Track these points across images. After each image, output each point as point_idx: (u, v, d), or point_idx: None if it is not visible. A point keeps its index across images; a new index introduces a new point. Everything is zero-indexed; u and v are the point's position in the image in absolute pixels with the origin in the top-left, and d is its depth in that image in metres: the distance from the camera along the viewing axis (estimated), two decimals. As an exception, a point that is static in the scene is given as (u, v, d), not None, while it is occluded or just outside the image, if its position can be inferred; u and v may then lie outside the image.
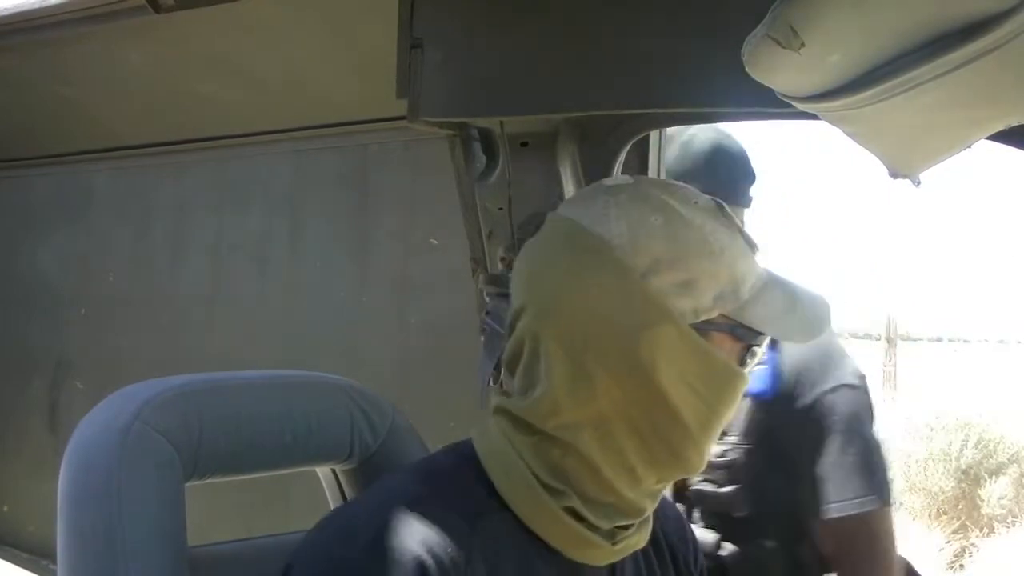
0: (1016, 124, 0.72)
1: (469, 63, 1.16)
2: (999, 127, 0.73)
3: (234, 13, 1.18)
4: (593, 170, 1.27)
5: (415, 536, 0.74)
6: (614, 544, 0.83)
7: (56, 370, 2.28)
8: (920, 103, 0.67)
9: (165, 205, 2.11)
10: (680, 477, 0.86)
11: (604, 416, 0.79)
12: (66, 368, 2.27)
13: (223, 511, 1.32)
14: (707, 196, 0.84)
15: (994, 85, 0.66)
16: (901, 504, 6.36)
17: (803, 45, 0.66)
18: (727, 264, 0.80)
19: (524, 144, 1.26)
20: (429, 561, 0.73)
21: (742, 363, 0.83)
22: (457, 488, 0.80)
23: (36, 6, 1.52)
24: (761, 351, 0.85)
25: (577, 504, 0.80)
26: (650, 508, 0.85)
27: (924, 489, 6.33)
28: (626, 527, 0.84)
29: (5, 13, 1.57)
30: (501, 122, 1.22)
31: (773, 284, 0.84)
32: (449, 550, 0.74)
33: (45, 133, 2.07)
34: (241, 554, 0.98)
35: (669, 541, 0.95)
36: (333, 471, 1.07)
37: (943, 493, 6.28)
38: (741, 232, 0.83)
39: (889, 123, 0.73)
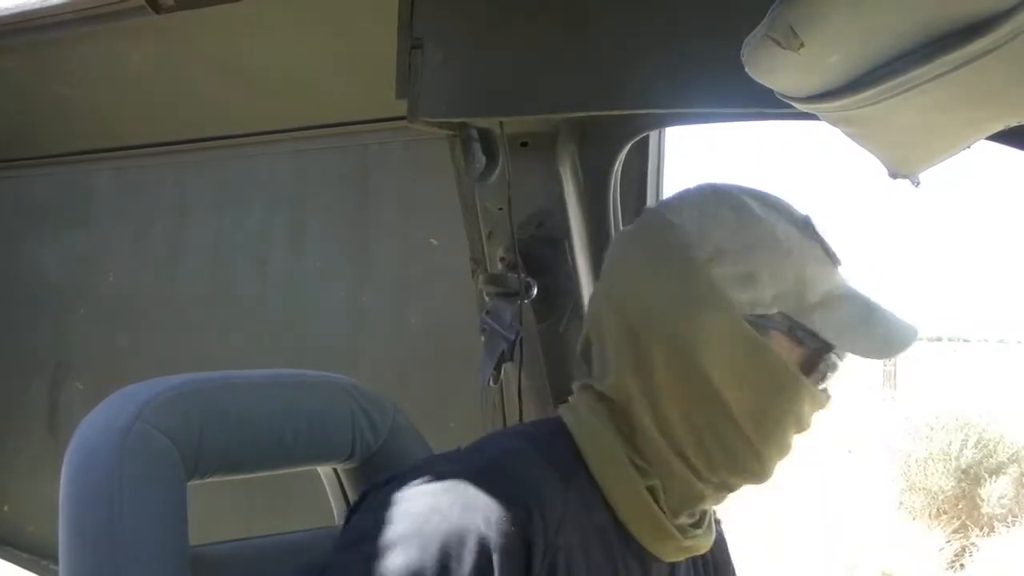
0: (1016, 124, 0.72)
1: (469, 63, 1.16)
2: (999, 127, 0.73)
3: (234, 13, 1.18)
4: (593, 170, 1.27)
5: (516, 482, 0.76)
6: (684, 540, 0.84)
7: (56, 370, 2.28)
8: (920, 103, 0.67)
9: (165, 205, 2.10)
10: (743, 484, 0.85)
11: (659, 399, 0.81)
12: (66, 368, 2.26)
13: (224, 510, 1.32)
14: (799, 209, 0.85)
15: (994, 85, 0.66)
16: (901, 504, 6.36)
17: (803, 45, 0.66)
18: (794, 264, 0.81)
19: (524, 144, 1.26)
20: (531, 503, 0.74)
21: (808, 371, 0.82)
22: (552, 449, 0.82)
23: (36, 6, 1.52)
24: (837, 365, 0.84)
25: (657, 485, 0.82)
26: (710, 508, 0.87)
27: (924, 489, 6.34)
28: (694, 526, 0.85)
29: (5, 13, 1.57)
30: (501, 122, 1.22)
31: (850, 297, 0.84)
32: (545, 498, 0.76)
33: (45, 133, 2.07)
34: (242, 553, 0.98)
35: (718, 559, 0.97)
36: (334, 470, 1.07)
37: (943, 493, 6.29)
38: (822, 243, 0.84)
39: (889, 123, 0.73)
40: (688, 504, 0.84)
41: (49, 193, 2.31)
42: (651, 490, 0.82)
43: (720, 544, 0.99)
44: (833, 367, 0.84)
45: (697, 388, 0.80)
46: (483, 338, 1.24)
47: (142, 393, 0.90)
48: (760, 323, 0.80)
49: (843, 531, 5.56)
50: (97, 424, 0.88)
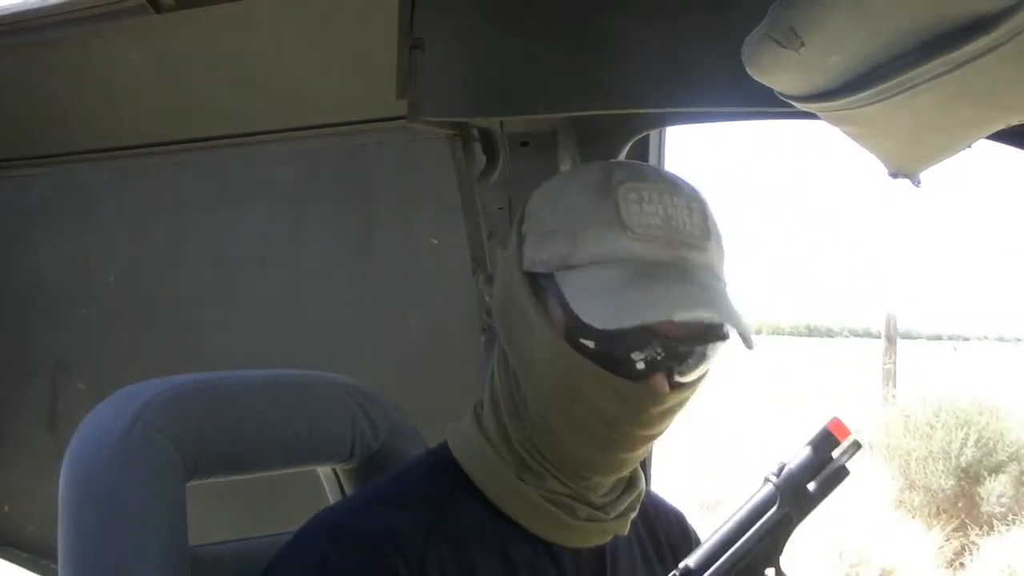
0: (1016, 124, 0.72)
1: (469, 63, 1.16)
2: (999, 127, 0.73)
3: (234, 13, 1.19)
4: (593, 170, 1.27)
5: (374, 528, 0.78)
6: (580, 523, 0.82)
7: (56, 370, 2.28)
8: (920, 103, 0.67)
9: (165, 205, 2.10)
10: (580, 472, 0.80)
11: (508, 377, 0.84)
12: (66, 368, 2.26)
13: (224, 510, 1.32)
14: (612, 164, 0.84)
15: (994, 85, 0.66)
16: (901, 502, 6.37)
17: (803, 45, 0.66)
18: (575, 223, 0.77)
19: (524, 144, 1.26)
20: (386, 547, 0.77)
21: (579, 339, 0.76)
22: (424, 481, 0.84)
23: (36, 6, 1.52)
24: (642, 357, 0.75)
25: (556, 486, 0.81)
26: (603, 481, 0.83)
27: (924, 487, 6.34)
28: (600, 509, 0.83)
29: (5, 13, 1.56)
30: (501, 122, 1.22)
31: (621, 262, 0.75)
32: (406, 537, 0.78)
33: (45, 133, 2.07)
34: (242, 553, 0.98)
35: (672, 541, 0.96)
36: (334, 471, 1.07)
37: (943, 491, 6.29)
38: (617, 205, 0.76)
39: (889, 123, 0.73)
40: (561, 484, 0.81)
41: (49, 193, 2.30)
42: (523, 480, 0.81)
43: (679, 526, 0.99)
44: (636, 350, 0.75)
45: (510, 356, 0.82)
46: (483, 338, 1.24)
47: (142, 393, 0.90)
48: (541, 286, 0.78)
49: (843, 530, 5.55)
50: (97, 424, 0.88)
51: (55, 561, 0.87)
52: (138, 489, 0.86)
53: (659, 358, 0.75)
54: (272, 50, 1.52)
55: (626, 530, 0.87)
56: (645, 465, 1.30)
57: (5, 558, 2.30)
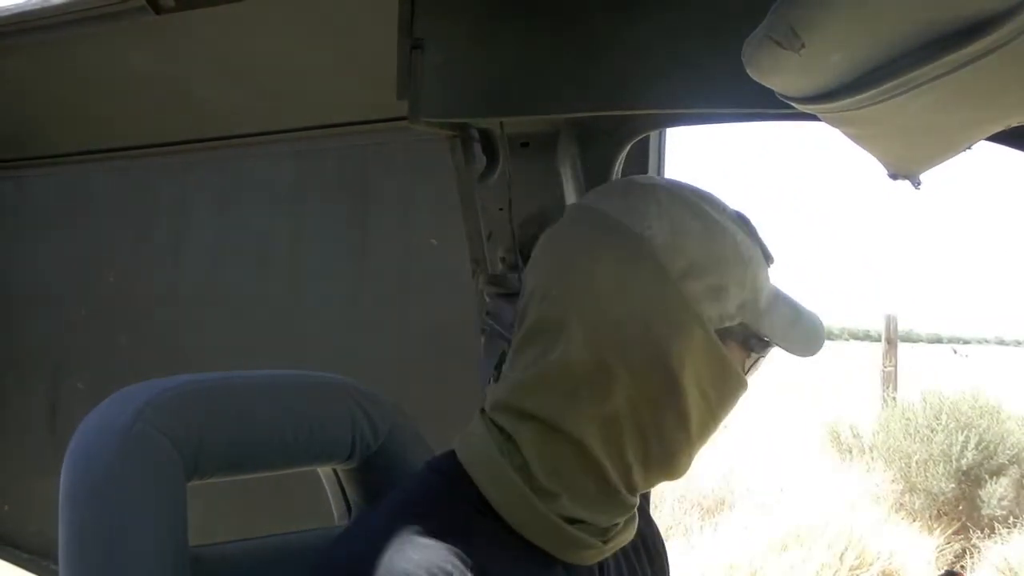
0: (1016, 125, 0.72)
1: (469, 64, 1.16)
2: (999, 128, 0.73)
3: (234, 13, 1.19)
4: (593, 170, 1.27)
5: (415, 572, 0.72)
6: (605, 542, 0.83)
7: (56, 370, 2.28)
8: (920, 104, 0.67)
9: (165, 205, 2.11)
10: (663, 481, 0.85)
11: (615, 414, 0.79)
12: (66, 368, 2.27)
13: (224, 510, 1.32)
14: (731, 206, 0.86)
15: (994, 86, 0.66)
16: (901, 505, 6.36)
17: (803, 46, 0.66)
18: (752, 273, 0.82)
19: (524, 145, 1.26)
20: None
21: (748, 371, 0.85)
22: (443, 515, 0.78)
23: (36, 6, 1.52)
24: (764, 363, 0.87)
25: (571, 508, 0.80)
26: (636, 505, 0.86)
27: (924, 490, 6.33)
28: (616, 524, 0.85)
29: (5, 13, 1.57)
30: (501, 123, 1.22)
31: (782, 297, 0.86)
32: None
33: (45, 133, 2.07)
34: (242, 553, 0.98)
35: (656, 548, 0.98)
36: (334, 471, 1.07)
37: (943, 494, 6.28)
38: (761, 243, 0.85)
39: (889, 124, 0.73)
40: (617, 513, 0.83)
41: (49, 193, 2.31)
42: (565, 518, 0.80)
43: (653, 533, 1.00)
44: (760, 363, 0.87)
45: (664, 402, 0.79)
46: (483, 338, 1.24)
47: (142, 393, 0.90)
48: (723, 335, 0.80)
49: (843, 532, 5.55)
50: (97, 424, 0.88)
51: (55, 561, 0.87)
52: (138, 489, 0.86)
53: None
54: (272, 50, 1.52)
55: (632, 536, 0.88)
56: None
57: (5, 558, 2.30)
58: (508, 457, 0.80)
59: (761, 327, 0.82)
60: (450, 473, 0.82)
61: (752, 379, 0.86)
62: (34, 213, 2.34)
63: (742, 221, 0.84)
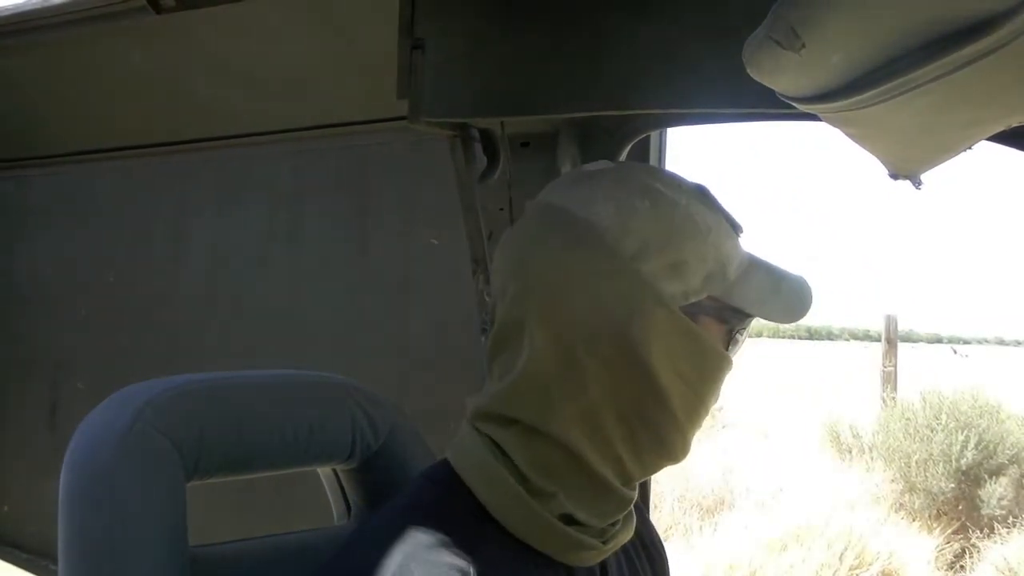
0: (1016, 125, 0.72)
1: (470, 64, 1.16)
2: (1000, 128, 0.73)
3: (234, 13, 1.19)
4: (594, 171, 1.27)
5: None
6: (605, 543, 0.83)
7: (56, 370, 2.28)
8: (921, 104, 0.67)
9: (165, 205, 2.11)
10: (664, 467, 0.83)
11: (593, 406, 0.77)
12: (66, 368, 2.27)
13: (224, 510, 1.32)
14: (690, 180, 0.83)
15: (995, 86, 0.66)
16: (901, 505, 6.36)
17: (804, 46, 0.66)
18: (714, 244, 0.79)
19: (525, 144, 1.26)
20: None
21: (728, 345, 0.82)
22: (443, 524, 0.77)
23: (36, 6, 1.52)
24: (746, 335, 0.84)
25: (568, 507, 0.79)
26: (633, 500, 0.85)
27: (924, 490, 6.33)
28: (614, 523, 0.84)
29: (5, 13, 1.57)
30: (502, 123, 1.22)
31: (757, 265, 0.83)
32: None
33: (45, 133, 2.07)
34: (242, 554, 0.98)
35: (656, 549, 0.97)
36: (334, 471, 1.07)
37: (943, 494, 6.28)
38: (725, 213, 0.82)
39: (890, 124, 0.73)
40: (613, 511, 0.82)
41: (49, 193, 2.31)
42: (563, 517, 0.79)
43: (651, 532, 0.99)
44: (741, 336, 0.83)
45: (638, 386, 0.77)
46: (483, 338, 1.24)
47: (142, 393, 0.90)
48: (693, 311, 0.78)
49: (843, 532, 5.55)
50: (97, 424, 0.88)
51: (55, 561, 0.87)
52: (138, 489, 0.86)
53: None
54: (272, 50, 1.52)
55: (630, 534, 0.87)
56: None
57: (5, 558, 2.30)
58: (500, 461, 0.80)
59: (732, 298, 0.80)
60: (446, 481, 0.81)
61: (736, 353, 0.83)
62: (34, 213, 2.34)
63: (700, 194, 0.81)
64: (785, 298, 0.83)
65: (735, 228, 0.83)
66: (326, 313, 1.85)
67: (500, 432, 0.80)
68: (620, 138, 1.25)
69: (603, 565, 0.86)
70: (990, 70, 0.63)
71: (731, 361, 0.81)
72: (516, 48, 1.12)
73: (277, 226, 1.94)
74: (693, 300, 0.78)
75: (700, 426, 0.83)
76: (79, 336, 2.25)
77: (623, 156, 1.27)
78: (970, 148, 0.76)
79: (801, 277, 0.85)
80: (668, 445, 0.81)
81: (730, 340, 0.82)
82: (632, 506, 0.86)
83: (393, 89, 1.17)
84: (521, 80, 1.13)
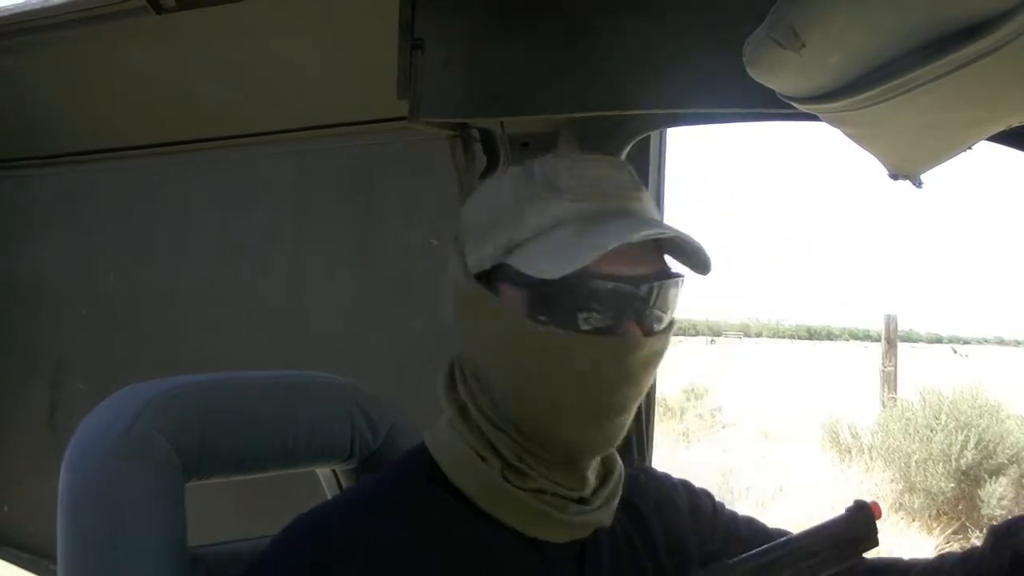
0: (1016, 125, 0.72)
1: (470, 64, 1.16)
2: (1000, 128, 0.73)
3: (235, 14, 1.19)
4: (594, 171, 1.27)
5: (360, 531, 0.77)
6: (576, 516, 0.82)
7: (56, 370, 2.28)
8: (921, 104, 0.67)
9: (166, 205, 2.11)
10: (566, 438, 0.79)
11: (468, 389, 0.84)
12: (66, 368, 2.27)
13: (224, 510, 1.32)
14: (545, 158, 0.83)
15: (995, 86, 0.66)
16: (901, 505, 6.36)
17: (804, 46, 0.66)
18: (513, 211, 0.78)
19: (525, 145, 1.26)
20: (372, 550, 0.77)
21: (549, 313, 0.76)
22: (407, 485, 0.83)
23: (36, 6, 1.52)
24: (602, 297, 0.75)
25: (521, 478, 0.81)
26: (577, 467, 0.82)
27: (924, 490, 6.34)
28: (580, 502, 0.83)
29: (5, 13, 1.57)
30: (502, 123, 1.22)
31: (567, 221, 0.77)
32: (393, 540, 0.77)
33: (45, 133, 2.07)
34: (241, 554, 0.98)
35: (667, 525, 0.93)
36: (334, 471, 1.07)
37: (943, 494, 6.29)
38: (548, 177, 0.78)
39: (890, 124, 0.73)
40: (543, 478, 0.81)
41: (49, 193, 2.31)
42: (508, 481, 0.81)
43: (667, 500, 0.95)
44: (598, 300, 0.75)
45: (478, 362, 0.82)
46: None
47: (142, 393, 0.90)
48: (490, 280, 0.79)
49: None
50: (97, 424, 0.88)
51: (55, 561, 0.87)
52: (138, 489, 0.86)
53: (623, 304, 0.76)
54: (272, 50, 1.52)
55: (609, 520, 0.85)
56: (643, 448, 1.30)
57: (5, 558, 2.30)
58: (456, 428, 0.84)
59: (517, 260, 0.77)
60: (418, 457, 0.86)
61: (583, 324, 0.75)
62: (35, 213, 2.34)
63: (526, 168, 0.81)
64: (580, 244, 0.74)
65: (554, 191, 0.78)
66: (326, 313, 1.85)
67: (451, 416, 0.86)
68: (620, 138, 1.25)
69: (591, 551, 0.85)
70: (990, 70, 0.63)
71: (538, 328, 0.76)
72: (516, 48, 1.12)
73: (277, 226, 1.94)
74: (486, 267, 0.79)
75: (576, 414, 0.78)
76: (79, 336, 2.25)
77: (623, 156, 1.27)
78: (970, 148, 0.76)
79: (632, 222, 0.76)
80: (541, 420, 0.79)
81: (551, 308, 0.76)
82: (614, 494, 0.86)
83: (393, 89, 1.17)
84: (521, 80, 1.13)
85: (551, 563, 0.82)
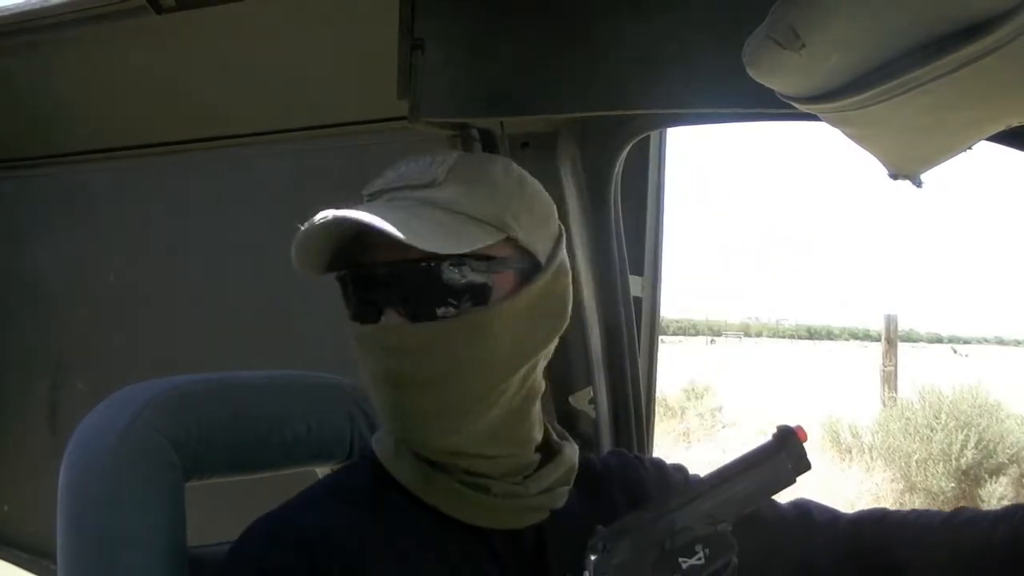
0: (1016, 125, 0.72)
1: (470, 64, 1.16)
2: (999, 128, 0.73)
3: (235, 13, 1.18)
4: (594, 170, 1.27)
5: (310, 528, 0.80)
6: (503, 501, 0.83)
7: (56, 370, 2.28)
8: (921, 104, 0.67)
9: (165, 205, 2.10)
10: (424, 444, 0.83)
11: None
12: (66, 368, 2.26)
13: (223, 510, 1.32)
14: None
15: (995, 86, 0.66)
16: (901, 504, 6.37)
17: (804, 46, 0.66)
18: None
19: (525, 145, 1.26)
20: (323, 547, 0.78)
21: (351, 313, 0.83)
22: (355, 482, 0.86)
23: (36, 6, 1.52)
24: (345, 291, 0.84)
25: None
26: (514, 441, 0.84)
27: (924, 489, 6.34)
28: (518, 484, 0.84)
29: (5, 13, 1.57)
30: (502, 123, 1.22)
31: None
32: (342, 536, 0.79)
33: (45, 133, 2.07)
34: (241, 554, 0.98)
35: (634, 505, 0.91)
36: (333, 471, 1.07)
37: (943, 493, 6.29)
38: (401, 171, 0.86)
39: (890, 124, 0.73)
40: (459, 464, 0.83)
41: (49, 193, 2.30)
42: (440, 470, 0.83)
43: (656, 479, 0.96)
44: (356, 288, 0.82)
45: None
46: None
47: (142, 393, 0.90)
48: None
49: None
50: (97, 424, 0.88)
51: (55, 561, 0.87)
52: (137, 489, 0.86)
53: (367, 291, 0.80)
54: (272, 50, 1.52)
55: (560, 503, 0.86)
56: (643, 448, 1.29)
57: (5, 558, 2.30)
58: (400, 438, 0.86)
59: None
60: (366, 456, 0.89)
61: (355, 316, 0.82)
62: (34, 213, 2.34)
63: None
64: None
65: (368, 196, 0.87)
66: (325, 313, 1.85)
67: None
68: (620, 138, 1.25)
69: (554, 530, 0.85)
70: (990, 70, 0.63)
71: (352, 328, 0.81)
72: (516, 48, 1.12)
73: (277, 227, 1.93)
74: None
75: (380, 403, 0.81)
76: (79, 336, 2.25)
77: (623, 156, 1.27)
78: (970, 148, 0.76)
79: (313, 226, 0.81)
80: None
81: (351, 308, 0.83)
82: (560, 481, 0.86)
83: (393, 89, 1.17)
84: (521, 80, 1.13)
85: (501, 549, 0.83)
